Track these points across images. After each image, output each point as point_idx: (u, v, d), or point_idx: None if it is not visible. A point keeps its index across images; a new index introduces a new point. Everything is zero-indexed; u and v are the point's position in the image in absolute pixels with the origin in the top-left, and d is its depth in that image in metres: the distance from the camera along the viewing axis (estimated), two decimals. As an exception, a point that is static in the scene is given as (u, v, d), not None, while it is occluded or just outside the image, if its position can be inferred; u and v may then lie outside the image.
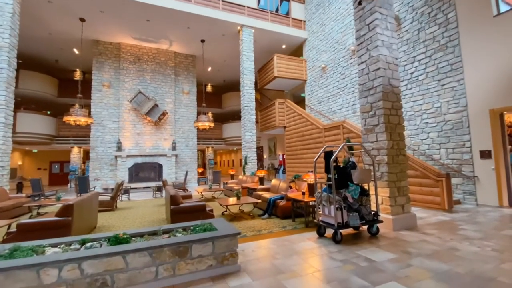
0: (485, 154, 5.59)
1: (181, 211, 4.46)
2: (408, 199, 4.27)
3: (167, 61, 12.73)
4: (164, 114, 12.08)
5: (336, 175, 3.64)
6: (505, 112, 5.49)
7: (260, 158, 17.45)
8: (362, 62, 4.65)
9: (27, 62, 13.28)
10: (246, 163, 9.86)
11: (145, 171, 11.96)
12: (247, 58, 10.71)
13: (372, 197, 4.01)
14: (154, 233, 2.82)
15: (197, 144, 14.86)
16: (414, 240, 3.46)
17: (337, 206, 3.44)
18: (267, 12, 11.53)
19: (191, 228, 2.87)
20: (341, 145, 3.65)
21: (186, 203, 4.62)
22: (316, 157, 3.86)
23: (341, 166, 3.80)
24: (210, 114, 18.25)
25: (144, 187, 11.66)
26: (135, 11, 9.59)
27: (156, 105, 11.96)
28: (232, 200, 5.72)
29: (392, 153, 4.20)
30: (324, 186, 3.97)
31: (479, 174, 5.70)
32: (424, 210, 5.33)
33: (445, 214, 4.98)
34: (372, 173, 3.92)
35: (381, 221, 3.74)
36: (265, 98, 16.47)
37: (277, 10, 11.98)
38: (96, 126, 11.54)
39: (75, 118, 9.50)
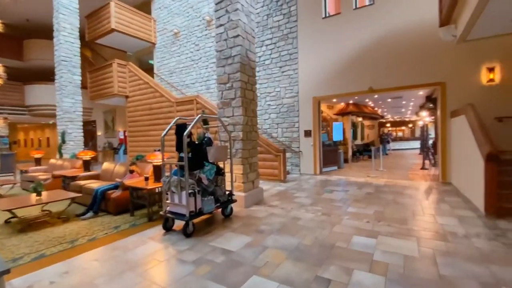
0: (307, 133, 6.89)
1: None
2: (257, 174, 4.35)
3: None
4: None
5: (190, 154, 2.94)
6: (320, 101, 6.95)
7: (92, 136, 13.74)
8: (221, 25, 4.09)
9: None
10: (63, 141, 7.08)
11: None
12: (65, -9, 7.46)
13: (227, 176, 3.69)
14: None
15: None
16: (264, 215, 3.47)
17: (190, 191, 2.77)
18: None
19: None
20: (197, 117, 2.95)
21: None
22: (165, 131, 2.96)
23: (196, 142, 3.13)
24: (0, 68, 12.04)
25: None
26: None
27: None
28: (32, 197, 3.67)
29: (246, 129, 4.05)
30: (174, 168, 3.17)
31: (303, 149, 7.00)
32: (266, 182, 5.85)
33: (281, 184, 5.68)
34: (229, 150, 3.56)
35: (235, 201, 3.50)
36: (99, 58, 12.76)
37: None
38: None
39: None
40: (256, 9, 7.63)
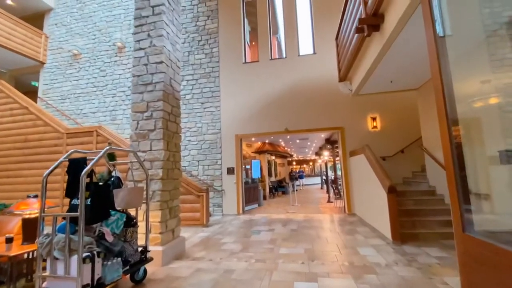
0: (230, 171, 6.67)
1: None
2: (179, 220, 3.68)
3: None
4: None
5: (90, 200, 2.14)
6: (242, 138, 7.01)
7: None
8: (141, 49, 3.63)
9: None
10: None
11: None
12: None
13: (140, 226, 2.91)
14: None
15: None
16: (189, 273, 2.82)
17: (85, 254, 1.94)
18: None
19: None
20: (103, 150, 2.26)
21: None
22: (51, 169, 2.10)
23: (100, 184, 2.35)
24: None
25: None
26: None
27: None
28: None
29: (167, 166, 3.46)
30: (61, 222, 2.23)
31: (225, 188, 6.66)
32: (187, 229, 5.07)
33: (204, 229, 5.04)
34: (145, 192, 2.87)
35: (151, 259, 2.74)
36: None
37: None
38: None
39: None
40: (177, 44, 7.47)
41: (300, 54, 6.84)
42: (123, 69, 7.75)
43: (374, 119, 6.11)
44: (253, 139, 9.37)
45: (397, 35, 2.96)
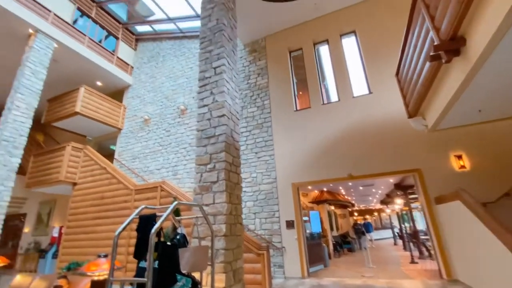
0: (290, 224, 6.09)
1: None
2: (243, 286, 3.22)
3: None
4: None
5: (158, 262, 1.95)
6: (299, 187, 6.55)
7: (15, 233, 10.82)
8: (204, 106, 3.83)
9: None
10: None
11: None
12: (32, 73, 7.13)
13: (204, 293, 2.57)
14: None
15: None
16: None
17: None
18: (85, 36, 9.10)
19: None
20: (172, 205, 2.15)
21: None
22: (123, 226, 2.03)
23: (168, 244, 2.18)
24: None
25: None
26: None
27: None
28: None
29: (230, 221, 3.21)
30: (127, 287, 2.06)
31: (286, 245, 5.99)
32: (247, 294, 4.49)
33: (267, 295, 4.38)
34: (210, 253, 2.60)
35: (217, 337, 2.29)
36: (51, 142, 11.55)
37: (99, 42, 9.82)
38: None
39: None
40: (231, 101, 8.03)
41: (354, 95, 6.58)
42: (185, 128, 8.48)
43: (459, 157, 5.12)
44: (309, 187, 8.76)
45: (488, 56, 2.50)
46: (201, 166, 3.52)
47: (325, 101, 7.01)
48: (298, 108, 7.15)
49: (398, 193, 9.18)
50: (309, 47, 7.55)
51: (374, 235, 17.06)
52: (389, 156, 5.71)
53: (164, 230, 2.49)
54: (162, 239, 2.21)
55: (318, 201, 9.97)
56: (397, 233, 13.57)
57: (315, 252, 6.78)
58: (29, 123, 6.89)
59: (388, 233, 17.63)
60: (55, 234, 9.50)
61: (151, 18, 10.36)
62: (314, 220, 9.38)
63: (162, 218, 1.94)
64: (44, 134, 11.93)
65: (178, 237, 2.41)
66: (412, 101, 4.52)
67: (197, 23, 9.60)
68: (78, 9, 9.14)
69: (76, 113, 8.33)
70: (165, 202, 6.20)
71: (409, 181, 7.80)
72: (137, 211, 2.22)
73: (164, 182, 6.44)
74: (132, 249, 5.84)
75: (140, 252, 2.07)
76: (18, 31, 7.38)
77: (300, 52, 7.73)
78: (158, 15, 9.98)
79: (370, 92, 6.38)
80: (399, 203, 9.78)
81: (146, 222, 2.12)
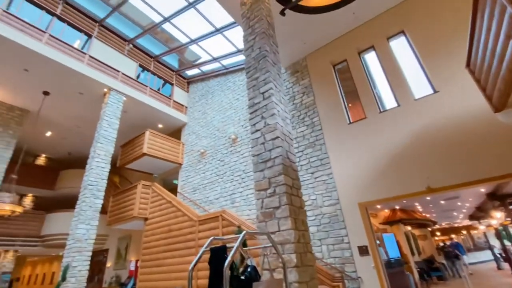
0: (363, 250, 5.41)
1: None
2: (323, 325, 2.84)
3: (-33, 105, 8.15)
4: None
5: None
6: (366, 207, 5.88)
7: (100, 268, 12.13)
8: (257, 131, 3.84)
9: None
10: (63, 278, 5.83)
11: None
12: (108, 125, 8.39)
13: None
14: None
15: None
16: None
17: None
18: (146, 87, 10.49)
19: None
20: (241, 236, 2.05)
21: None
22: (195, 261, 2.00)
23: (242, 278, 2.06)
24: (29, 198, 12.39)
25: None
26: None
27: None
28: None
29: (299, 250, 2.95)
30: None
31: (362, 275, 5.28)
32: (326, 334, 3.97)
33: (350, 336, 3.79)
34: (284, 286, 2.37)
35: None
36: (126, 182, 13.11)
37: (158, 90, 11.19)
38: None
39: None
40: (280, 123, 8.02)
41: (416, 97, 5.89)
42: (238, 156, 8.70)
43: None
44: (378, 206, 7.85)
45: None
46: (261, 191, 3.43)
47: (381, 109, 6.44)
48: (351, 121, 6.71)
49: (494, 204, 7.52)
50: (354, 57, 7.23)
51: (468, 258, 14.13)
52: (475, 161, 4.78)
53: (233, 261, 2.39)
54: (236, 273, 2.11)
55: (390, 222, 8.80)
56: (500, 254, 10.97)
57: (399, 282, 5.83)
58: (107, 167, 7.95)
59: (485, 254, 14.44)
60: (132, 268, 10.32)
61: (199, 61, 11.47)
62: (390, 244, 8.25)
63: (233, 250, 1.85)
64: (120, 176, 13.64)
65: (249, 269, 2.27)
66: (497, 92, 3.77)
67: (238, 58, 10.25)
68: (140, 65, 10.69)
69: (144, 154, 9.35)
70: (227, 232, 6.22)
71: (509, 188, 6.35)
72: (206, 243, 2.19)
73: (224, 211, 6.53)
74: (200, 282, 5.88)
75: (214, 286, 1.98)
76: (97, 91, 8.89)
77: (345, 64, 7.45)
78: (204, 57, 11.00)
79: (436, 91, 5.64)
80: (497, 216, 7.96)
81: (217, 254, 2.06)
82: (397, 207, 8.73)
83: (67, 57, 7.90)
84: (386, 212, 8.95)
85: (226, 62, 10.74)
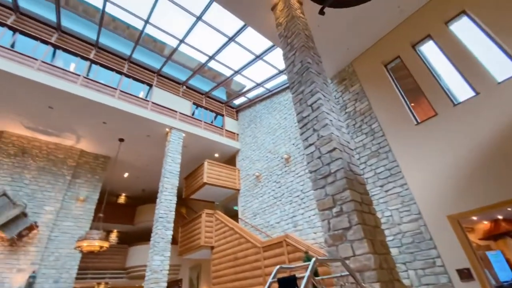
0: (464, 274, 4.35)
1: None
2: None
3: (67, 159, 10.01)
4: (31, 228, 8.11)
5: None
6: (459, 220, 4.82)
7: (177, 298, 12.66)
8: (310, 145, 3.61)
9: None
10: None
11: None
12: (172, 160, 9.17)
13: None
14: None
15: (82, 278, 10.04)
16: None
17: None
18: (201, 121, 11.32)
19: None
20: (311, 264, 1.79)
21: None
22: (263, 294, 1.81)
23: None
24: (114, 233, 14.07)
25: None
26: (36, 93, 7.80)
27: (23, 215, 8.12)
28: None
29: (383, 278, 2.47)
30: None
31: (470, 307, 4.20)
32: None
33: None
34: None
35: None
36: (191, 212, 13.92)
37: (211, 122, 11.99)
38: None
39: None
40: (334, 136, 7.54)
41: (499, 80, 4.86)
42: (293, 176, 8.41)
43: None
44: (474, 218, 6.42)
45: None
46: (325, 211, 3.09)
47: (455, 102, 5.48)
48: (419, 121, 5.86)
49: None
50: (408, 52, 6.52)
51: None
52: None
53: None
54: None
55: (494, 236, 7.07)
56: None
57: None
58: (174, 200, 8.54)
59: None
60: (205, 297, 10.44)
61: (244, 90, 12.00)
62: (498, 264, 6.56)
63: (304, 281, 1.60)
64: (186, 207, 14.58)
65: (325, 303, 1.95)
66: None
67: (280, 79, 10.37)
68: (193, 103, 11.70)
69: (204, 184, 9.83)
70: (293, 258, 5.82)
71: None
72: (273, 273, 1.99)
73: (287, 236, 6.19)
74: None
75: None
76: (160, 132, 9.95)
77: (398, 61, 6.76)
78: (248, 84, 11.48)
79: (527, 68, 4.56)
80: None
81: (286, 286, 1.83)
82: (500, 217, 6.96)
83: (135, 107, 9.16)
84: (486, 224, 7.20)
85: (269, 85, 10.97)
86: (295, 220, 7.79)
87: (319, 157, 3.41)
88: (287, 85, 10.31)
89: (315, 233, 7.05)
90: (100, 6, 7.96)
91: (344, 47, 7.24)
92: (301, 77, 4.18)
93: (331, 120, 3.59)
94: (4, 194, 8.12)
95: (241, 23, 7.99)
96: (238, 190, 10.78)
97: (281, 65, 9.71)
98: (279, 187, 8.84)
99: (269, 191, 9.22)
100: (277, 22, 5.35)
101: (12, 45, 7.93)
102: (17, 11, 8.30)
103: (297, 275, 1.90)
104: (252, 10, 5.94)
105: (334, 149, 3.24)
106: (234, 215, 10.67)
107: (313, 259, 1.88)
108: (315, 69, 4.23)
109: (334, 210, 3.00)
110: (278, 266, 2.06)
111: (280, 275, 1.99)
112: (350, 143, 3.65)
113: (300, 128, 3.90)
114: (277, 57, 9.42)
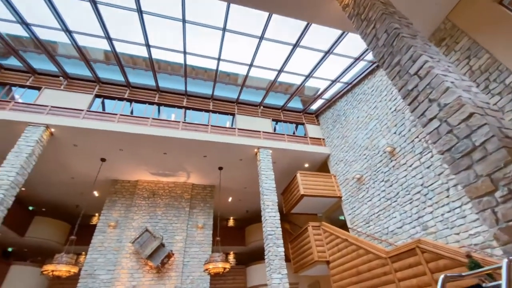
0: None
1: None
2: None
3: (183, 193, 11.75)
4: (169, 256, 9.64)
5: None
6: None
7: (301, 318, 12.25)
8: (431, 120, 2.87)
9: (48, 209, 13.13)
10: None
11: None
12: (266, 177, 9.38)
13: None
14: None
15: (213, 298, 11.07)
16: None
17: None
18: (284, 135, 11.35)
19: None
20: (504, 266, 1.22)
21: None
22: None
23: None
24: (231, 255, 15.18)
25: None
26: (152, 145, 9.66)
27: (162, 245, 9.79)
28: None
29: None
30: None
31: None
32: None
33: None
34: None
35: None
36: (295, 228, 13.67)
37: (293, 134, 11.87)
38: (85, 279, 9.11)
39: (55, 267, 7.47)
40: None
41: None
42: (405, 170, 7.10)
43: None
44: None
45: None
46: (482, 198, 2.28)
47: None
48: None
49: None
50: (537, -32, 4.74)
51: None
52: None
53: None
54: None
55: None
56: None
57: None
58: (277, 215, 8.55)
59: None
60: (331, 318, 9.64)
61: (319, 92, 11.48)
62: None
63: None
64: (289, 223, 14.48)
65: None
66: None
67: (357, 68, 9.41)
68: (273, 120, 11.96)
69: (302, 196, 9.53)
70: (435, 267, 4.66)
71: None
72: (439, 283, 1.48)
73: (420, 241, 5.06)
74: None
75: None
76: (250, 153, 10.47)
77: (523, -13, 4.99)
78: (322, 85, 10.91)
79: None
80: None
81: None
82: None
83: (225, 136, 10.06)
84: None
85: (345, 78, 10.11)
86: (423, 221, 6.40)
87: (450, 131, 2.63)
88: (369, 70, 9.23)
89: (457, 234, 5.54)
90: (182, 61, 9.38)
91: (432, 2, 5.95)
92: (391, 47, 3.53)
93: (452, 82, 2.78)
94: (147, 230, 10.07)
95: (300, 28, 7.82)
96: (340, 197, 9.93)
97: (355, 53, 8.84)
98: (390, 186, 7.60)
99: (378, 193, 8.06)
100: (343, 4, 4.89)
101: (131, 112, 10.23)
102: (129, 86, 10.75)
103: (484, 286, 1.34)
104: (313, 6, 5.68)
105: (471, 114, 2.43)
106: (341, 226, 9.78)
107: (505, 260, 1.29)
108: (407, 32, 3.50)
109: (498, 194, 2.16)
110: (444, 275, 1.53)
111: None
112: (490, 104, 2.71)
113: (409, 104, 3.20)
114: (346, 46, 8.64)
